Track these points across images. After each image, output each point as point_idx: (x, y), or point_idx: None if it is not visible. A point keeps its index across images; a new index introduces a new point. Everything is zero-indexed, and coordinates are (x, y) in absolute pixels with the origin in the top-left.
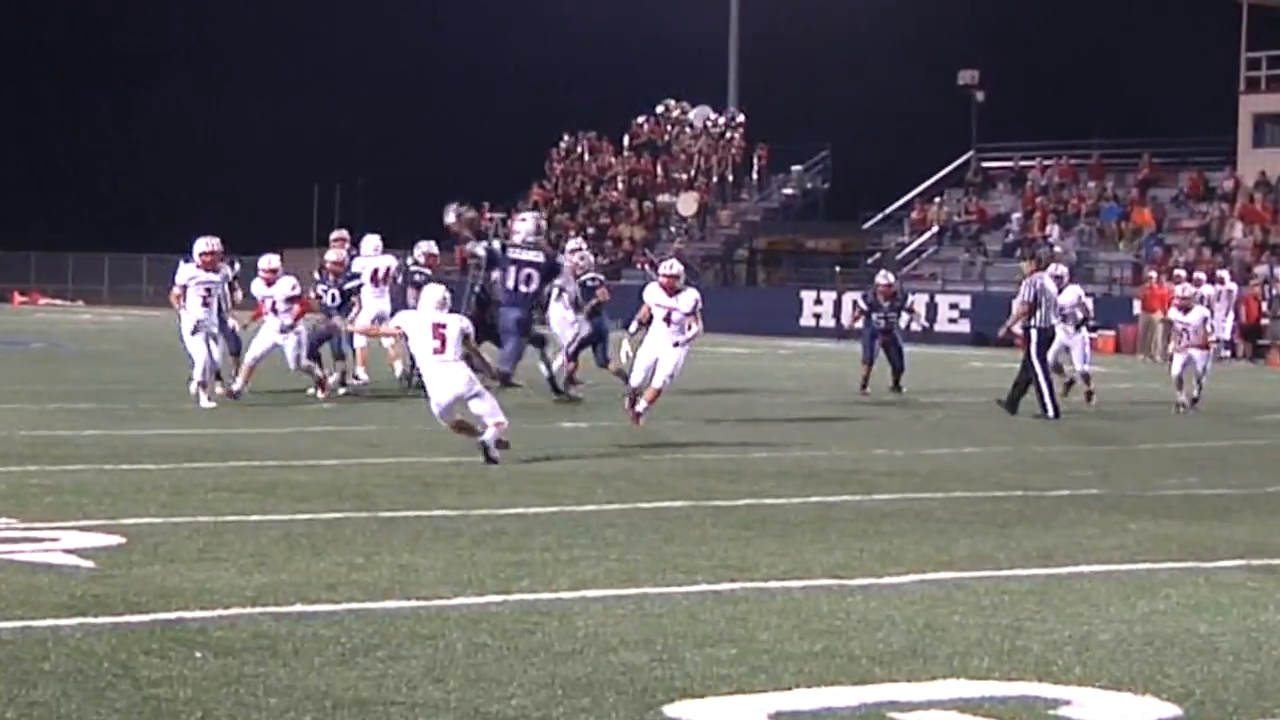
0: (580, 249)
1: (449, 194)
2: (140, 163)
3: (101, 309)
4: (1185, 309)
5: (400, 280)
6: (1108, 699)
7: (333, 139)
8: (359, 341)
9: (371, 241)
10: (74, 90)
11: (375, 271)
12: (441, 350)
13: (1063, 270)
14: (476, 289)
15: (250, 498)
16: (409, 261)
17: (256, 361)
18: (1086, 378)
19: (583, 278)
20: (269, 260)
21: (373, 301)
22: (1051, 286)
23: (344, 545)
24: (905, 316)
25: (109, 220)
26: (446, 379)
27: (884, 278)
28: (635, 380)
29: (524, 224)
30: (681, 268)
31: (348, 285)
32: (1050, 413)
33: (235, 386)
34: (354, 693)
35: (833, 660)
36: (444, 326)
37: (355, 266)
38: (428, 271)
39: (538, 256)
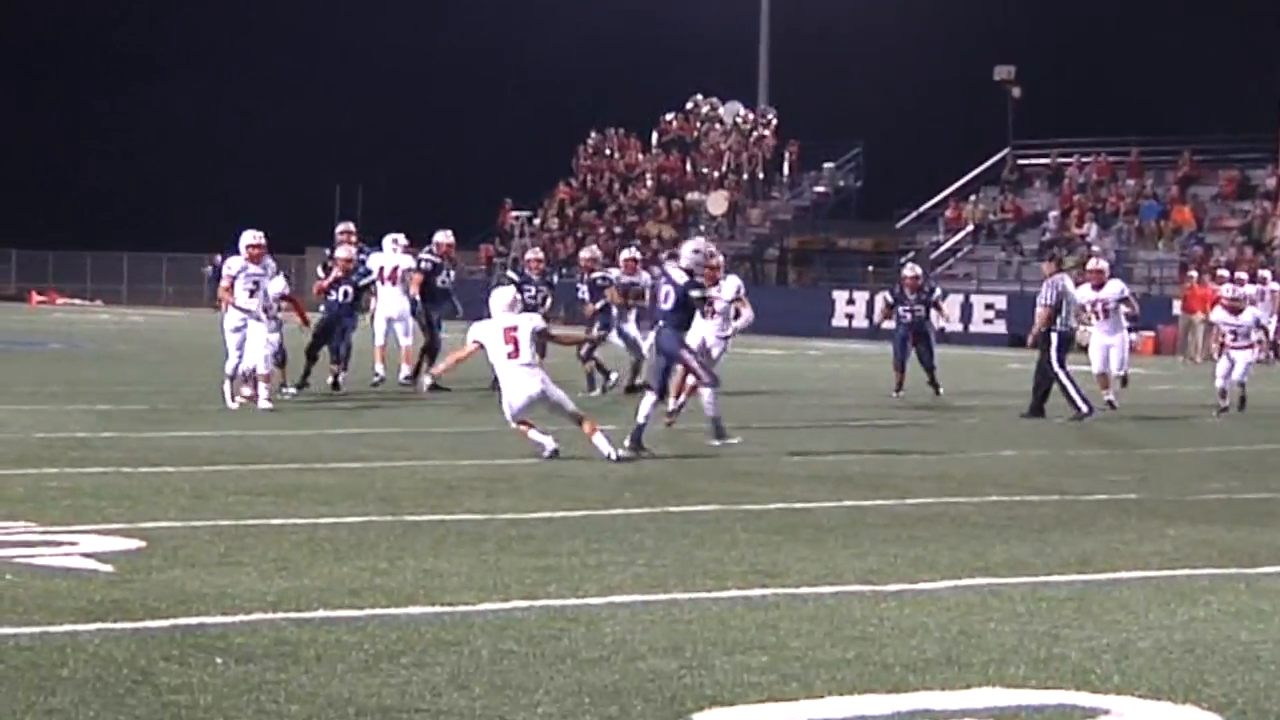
0: (592, 250)
1: (474, 192)
2: (160, 162)
3: (120, 309)
4: (1235, 310)
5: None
6: (1147, 708)
7: (356, 138)
8: (378, 340)
9: (389, 241)
10: (93, 89)
11: (380, 270)
12: (515, 354)
13: (1104, 265)
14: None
15: (272, 501)
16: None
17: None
18: (1124, 381)
19: (593, 276)
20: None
21: (388, 300)
22: (1072, 287)
23: (367, 550)
24: (934, 315)
25: (128, 220)
26: (521, 381)
27: (910, 269)
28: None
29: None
30: (722, 257)
31: (362, 282)
32: (1084, 409)
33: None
34: (377, 700)
35: (866, 668)
36: (515, 329)
37: (371, 264)
38: (437, 260)
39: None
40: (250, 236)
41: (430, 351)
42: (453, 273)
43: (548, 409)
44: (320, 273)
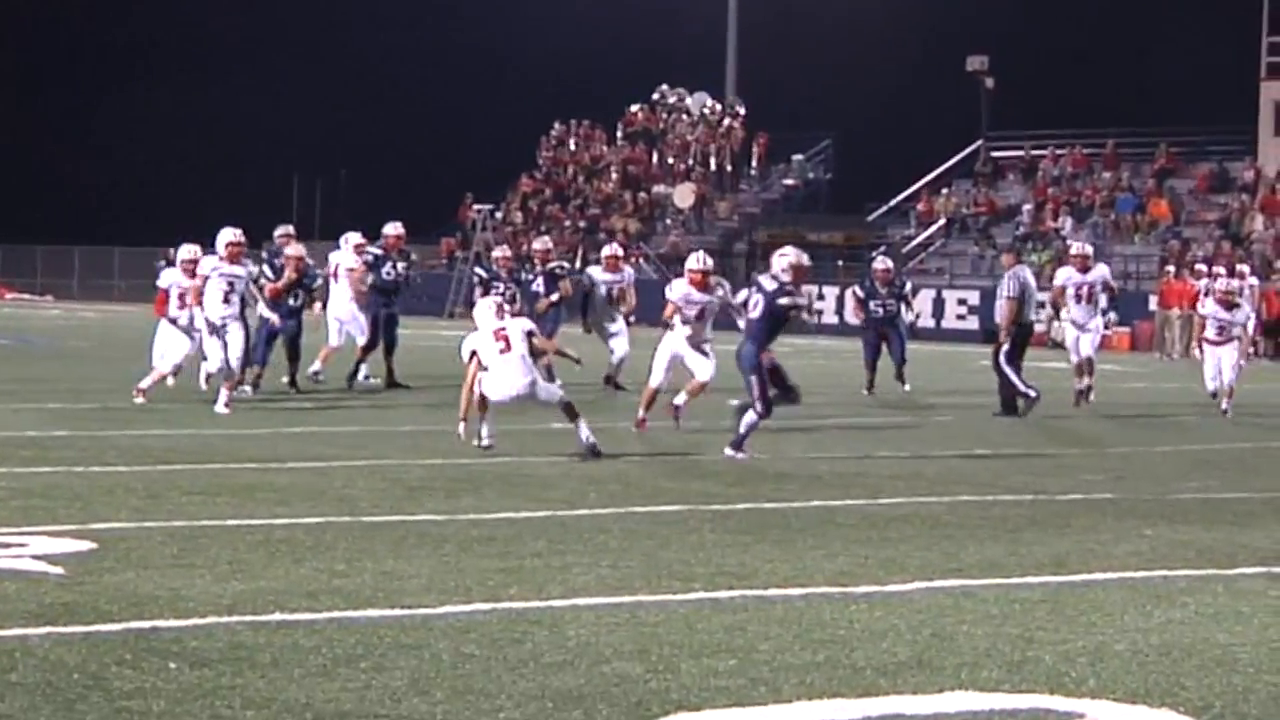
0: (545, 240)
1: (435, 185)
2: (111, 153)
3: (71, 304)
4: (1229, 304)
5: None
6: (1123, 712)
7: (313, 129)
8: (333, 340)
9: (352, 240)
10: (41, 80)
11: (336, 269)
12: (507, 349)
13: (1089, 249)
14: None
15: (227, 501)
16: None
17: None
18: (1089, 366)
19: (551, 266)
20: (191, 251)
21: (338, 301)
22: (1031, 279)
23: (325, 551)
24: (904, 309)
25: (79, 212)
26: (506, 375)
27: (881, 262)
28: (654, 382)
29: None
30: (711, 261)
31: (316, 284)
32: (1033, 394)
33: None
34: (335, 705)
35: (835, 671)
36: (504, 330)
37: (334, 260)
38: (379, 252)
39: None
40: (230, 234)
41: (368, 348)
42: (400, 265)
43: (539, 405)
44: (268, 274)
